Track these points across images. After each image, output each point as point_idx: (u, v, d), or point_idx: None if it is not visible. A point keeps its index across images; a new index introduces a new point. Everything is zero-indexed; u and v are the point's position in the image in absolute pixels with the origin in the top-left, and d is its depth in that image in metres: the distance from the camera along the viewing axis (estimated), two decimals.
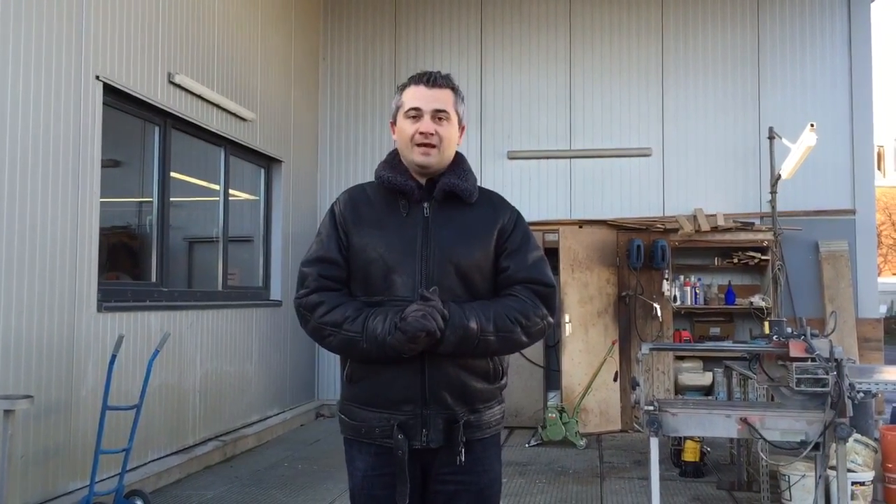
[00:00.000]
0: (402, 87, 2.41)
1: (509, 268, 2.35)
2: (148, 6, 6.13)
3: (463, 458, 2.25)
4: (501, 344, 2.27)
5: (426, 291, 2.18)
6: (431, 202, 2.35)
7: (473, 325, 2.20)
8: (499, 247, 2.37)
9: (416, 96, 2.35)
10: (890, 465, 5.43)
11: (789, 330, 3.94)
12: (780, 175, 8.12)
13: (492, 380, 2.35)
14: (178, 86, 6.50)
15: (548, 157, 9.54)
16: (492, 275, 2.36)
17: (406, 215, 2.34)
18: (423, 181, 2.38)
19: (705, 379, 8.64)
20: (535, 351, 8.53)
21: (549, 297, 2.35)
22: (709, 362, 8.73)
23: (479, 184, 2.46)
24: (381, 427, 2.27)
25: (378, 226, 2.33)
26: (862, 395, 3.79)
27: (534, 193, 9.50)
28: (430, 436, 2.25)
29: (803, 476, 5.30)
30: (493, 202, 2.44)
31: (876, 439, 5.33)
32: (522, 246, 2.38)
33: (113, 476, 5.23)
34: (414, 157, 2.34)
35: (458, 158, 2.43)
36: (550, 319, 2.35)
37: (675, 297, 8.85)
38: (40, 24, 4.93)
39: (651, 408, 3.82)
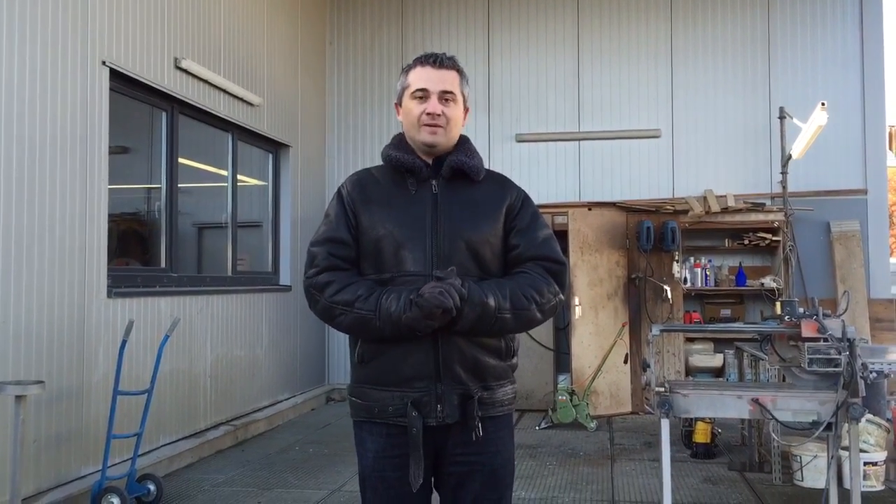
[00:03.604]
0: (408, 69, 2.41)
1: (519, 245, 2.35)
2: None
3: (480, 433, 2.24)
4: (517, 322, 2.26)
5: (441, 272, 2.17)
6: (439, 179, 2.36)
7: (492, 301, 2.19)
8: (507, 225, 2.37)
9: (423, 77, 2.35)
10: None
11: (801, 310, 3.91)
12: (790, 155, 8.05)
13: (504, 357, 2.36)
14: (185, 71, 6.48)
15: (556, 140, 9.48)
16: (502, 252, 2.36)
17: (414, 192, 2.34)
18: (429, 160, 2.38)
19: (716, 361, 8.62)
20: (545, 333, 8.53)
21: (560, 274, 2.36)
22: (719, 344, 8.72)
23: (485, 165, 2.46)
24: (394, 405, 2.26)
25: (387, 204, 2.33)
26: (874, 375, 3.75)
27: (542, 176, 9.45)
28: (444, 411, 2.24)
29: (815, 456, 5.30)
30: (500, 181, 2.46)
31: (888, 419, 5.30)
32: (531, 224, 2.39)
33: (125, 461, 5.26)
34: (421, 136, 2.35)
35: (463, 139, 2.44)
36: (562, 297, 2.36)
37: (685, 279, 8.81)
38: (45, 8, 4.92)
39: (662, 389, 3.81)
